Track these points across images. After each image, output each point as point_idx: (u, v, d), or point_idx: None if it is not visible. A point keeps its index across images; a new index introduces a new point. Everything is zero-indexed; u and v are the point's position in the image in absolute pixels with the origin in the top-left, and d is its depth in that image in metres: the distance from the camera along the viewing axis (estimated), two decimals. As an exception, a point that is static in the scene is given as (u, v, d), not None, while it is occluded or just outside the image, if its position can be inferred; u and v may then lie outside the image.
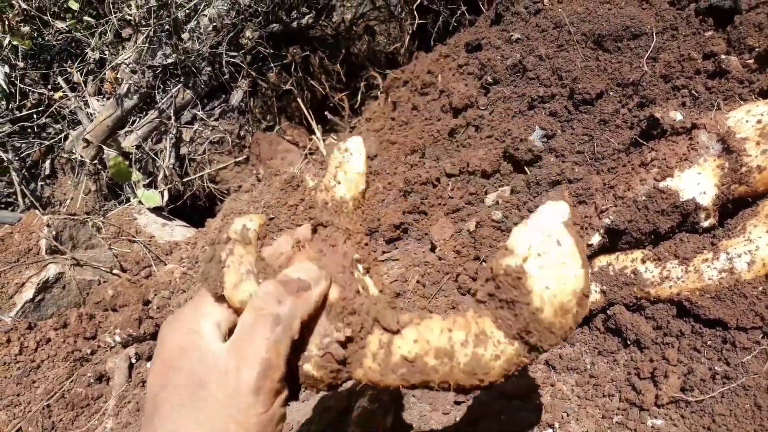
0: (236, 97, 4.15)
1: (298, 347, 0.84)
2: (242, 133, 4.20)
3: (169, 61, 3.90)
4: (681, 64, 1.93)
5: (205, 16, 3.92)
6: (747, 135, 1.48)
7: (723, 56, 1.84)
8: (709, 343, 1.50)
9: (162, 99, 4.04)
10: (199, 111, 4.14)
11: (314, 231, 1.12)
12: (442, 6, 3.84)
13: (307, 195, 2.82)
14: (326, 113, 4.17)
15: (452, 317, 0.95)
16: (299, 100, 3.94)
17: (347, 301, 0.91)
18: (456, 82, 2.62)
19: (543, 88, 2.22)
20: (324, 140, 4.08)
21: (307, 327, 0.85)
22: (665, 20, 2.10)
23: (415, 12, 3.86)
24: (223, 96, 4.21)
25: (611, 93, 2.05)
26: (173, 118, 4.04)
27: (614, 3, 2.28)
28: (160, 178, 4.08)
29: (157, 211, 3.89)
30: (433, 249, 2.22)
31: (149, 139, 4.15)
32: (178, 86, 4.01)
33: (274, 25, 3.92)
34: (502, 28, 2.63)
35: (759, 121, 1.50)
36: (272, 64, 4.01)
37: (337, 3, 4.25)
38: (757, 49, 1.80)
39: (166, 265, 3.26)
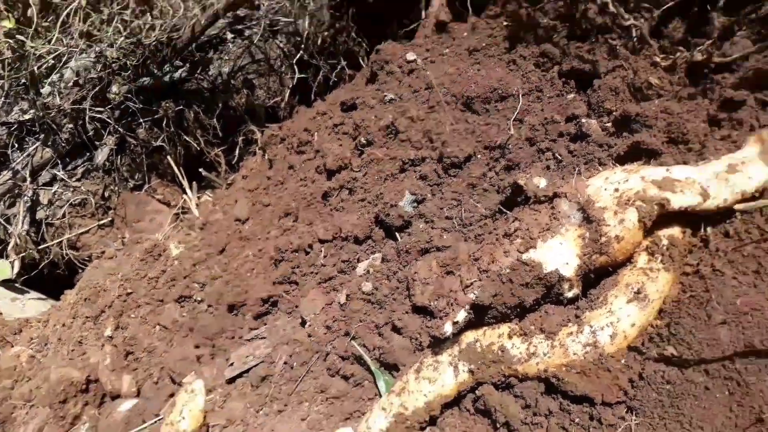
0: (101, 155, 3.97)
1: None
2: (107, 194, 4.00)
3: (26, 117, 3.69)
4: (545, 127, 2.01)
5: (69, 68, 3.76)
6: (606, 204, 1.54)
7: (584, 120, 1.93)
8: (576, 420, 1.51)
9: (17, 158, 3.80)
10: (59, 171, 3.92)
11: None
12: (322, 61, 3.87)
13: (169, 266, 2.69)
14: (201, 170, 4.06)
15: None
16: (170, 157, 3.81)
17: None
18: (331, 143, 2.61)
19: (414, 151, 2.25)
20: (199, 197, 3.96)
21: None
22: (531, 82, 2.19)
23: (294, 66, 3.87)
24: (87, 154, 4.01)
25: (479, 156, 2.10)
26: (29, 179, 3.80)
27: (483, 64, 2.36)
28: (11, 246, 3.80)
29: (6, 283, 3.60)
30: (303, 324, 2.16)
31: (1, 203, 3.88)
32: (36, 144, 3.80)
33: (145, 78, 3.80)
34: (377, 88, 2.67)
35: (616, 189, 1.56)
36: (142, 120, 3.87)
37: (215, 56, 4.20)
38: (614, 113, 1.90)
39: (12, 347, 3.00)
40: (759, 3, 1.80)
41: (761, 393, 1.39)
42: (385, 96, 2.52)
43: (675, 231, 1.56)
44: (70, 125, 3.81)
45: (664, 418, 1.45)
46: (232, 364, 2.22)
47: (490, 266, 1.61)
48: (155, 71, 3.75)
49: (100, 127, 3.88)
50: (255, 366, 2.17)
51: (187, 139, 4.09)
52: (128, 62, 3.69)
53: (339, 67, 3.86)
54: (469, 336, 1.64)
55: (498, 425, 1.58)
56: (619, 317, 1.48)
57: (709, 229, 1.58)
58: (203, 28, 3.56)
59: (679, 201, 1.51)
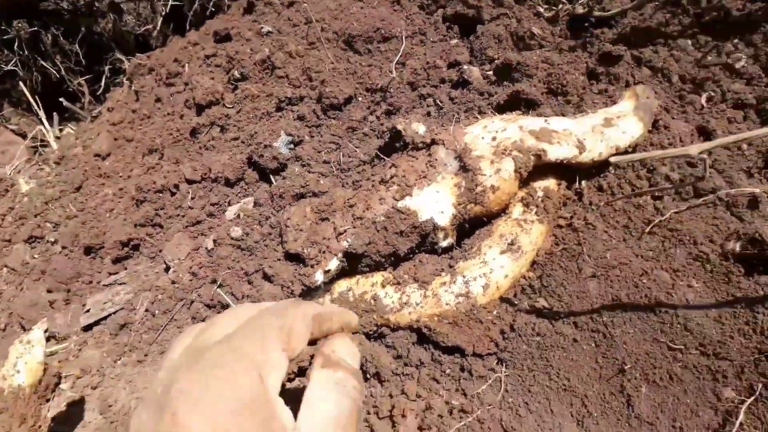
0: (-60, 76, 3.46)
1: None
2: (-51, 121, 3.51)
3: None
4: (427, 71, 1.89)
5: None
6: (482, 153, 1.45)
7: (465, 66, 1.83)
8: (448, 371, 1.46)
9: None
10: None
11: None
12: (198, -12, 3.53)
13: (18, 203, 2.37)
14: (62, 100, 3.63)
15: None
16: (23, 83, 3.37)
17: None
18: (201, 75, 2.36)
19: (292, 89, 2.06)
20: (61, 130, 3.56)
21: None
22: (415, 24, 2.06)
23: (167, -9, 3.50)
24: (-77, 75, 3.48)
25: (360, 98, 1.96)
26: None
27: (367, 2, 2.19)
28: None
29: None
30: (167, 270, 1.97)
31: None
32: None
33: (-11, -7, 3.30)
34: (254, 19, 2.44)
35: (494, 138, 1.48)
36: (-12, 40, 3.38)
37: (75, -26, 3.73)
38: (496, 61, 1.81)
39: None
40: (640, -42, 1.76)
41: (625, 345, 1.39)
42: (263, 28, 2.30)
43: (550, 183, 1.51)
44: None
45: (533, 369, 1.42)
46: (88, 311, 2.00)
47: (365, 213, 1.50)
48: (5, -15, 3.27)
49: (-61, 45, 3.37)
50: (114, 313, 1.96)
51: (44, 64, 3.64)
52: (-28, -27, 3.19)
53: (218, -5, 3.54)
54: (341, 285, 1.53)
55: (369, 376, 1.50)
56: (492, 268, 1.42)
57: (583, 183, 1.55)
58: (60, -61, 3.12)
59: (555, 152, 1.45)
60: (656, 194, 1.49)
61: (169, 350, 0.77)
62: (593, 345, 1.41)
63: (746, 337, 1.32)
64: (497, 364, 1.45)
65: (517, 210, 1.48)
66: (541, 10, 1.87)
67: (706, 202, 1.46)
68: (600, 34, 1.79)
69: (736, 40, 1.67)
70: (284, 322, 0.76)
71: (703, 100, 1.62)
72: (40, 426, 1.31)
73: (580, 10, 1.83)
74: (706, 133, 1.57)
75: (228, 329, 0.74)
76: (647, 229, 1.46)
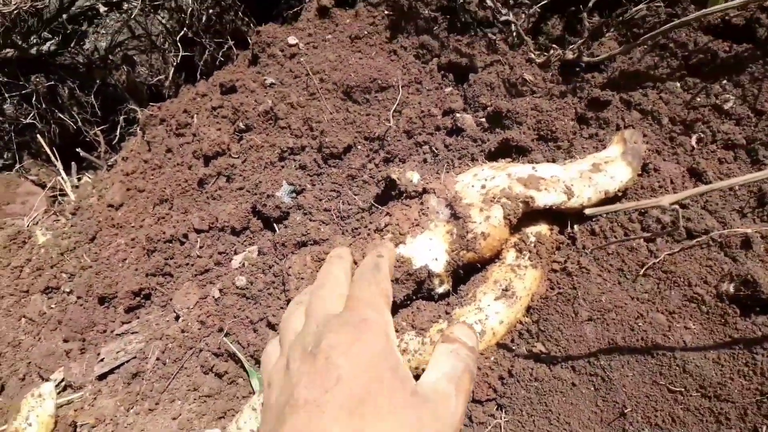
0: (-37, 131, 3.55)
1: None
2: (-28, 174, 3.59)
3: None
4: (423, 120, 1.91)
5: None
6: (472, 201, 1.46)
7: (458, 114, 1.85)
8: (447, 418, 1.44)
9: None
10: None
11: None
12: (208, 39, 3.60)
13: (35, 254, 2.41)
14: (78, 150, 3.71)
15: None
16: (40, 136, 3.45)
17: None
18: (209, 126, 2.41)
19: (293, 139, 2.10)
20: (79, 179, 3.63)
21: None
22: (411, 73, 2.09)
23: (178, 43, 3.58)
24: (-54, 130, 3.58)
25: (359, 147, 1.98)
26: None
27: (365, 53, 2.24)
28: None
29: None
30: (177, 318, 1.98)
31: None
32: None
33: (8, 50, 3.40)
34: (258, 71, 2.49)
35: (483, 186, 1.49)
36: (7, 95, 3.47)
37: (90, 29, 3.83)
38: (488, 108, 1.83)
39: None
40: (626, 6, 1.78)
41: (624, 388, 1.38)
42: (266, 80, 2.35)
43: (542, 228, 1.51)
44: (-77, 98, 3.37)
45: (532, 414, 1.41)
46: (102, 360, 2.01)
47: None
48: (20, 42, 3.36)
49: (-40, 102, 3.47)
50: (126, 362, 1.97)
51: (61, 116, 3.73)
52: (-16, 33, 3.29)
53: (226, 46, 3.61)
54: (342, 334, 1.54)
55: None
56: (488, 314, 1.42)
57: (575, 227, 1.55)
58: (73, -1, 3.21)
59: (543, 199, 1.45)
60: (649, 237, 1.48)
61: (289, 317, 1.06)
62: (592, 389, 1.40)
63: (747, 379, 1.30)
64: (497, 409, 1.44)
65: (510, 256, 1.48)
66: (533, 56, 1.89)
67: (700, 243, 1.46)
68: (590, 78, 1.80)
69: (724, 81, 1.67)
70: (380, 286, 1.04)
71: (693, 142, 1.63)
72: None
73: (570, 55, 1.84)
74: (697, 174, 1.57)
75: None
76: (641, 272, 1.46)
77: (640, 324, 1.40)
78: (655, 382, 1.37)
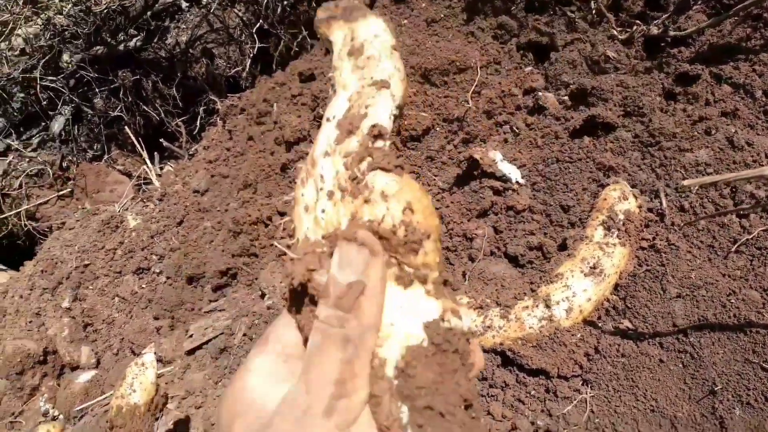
0: (57, 124, 3.76)
1: None
2: (65, 164, 3.80)
3: (-27, 86, 3.47)
4: (503, 99, 1.92)
5: (19, 35, 3.53)
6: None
7: (541, 93, 1.85)
8: (533, 393, 1.46)
9: (-33, 127, 3.58)
10: (13, 141, 3.70)
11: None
12: (283, 30, 3.69)
13: (127, 237, 2.55)
14: (162, 140, 3.88)
15: None
16: (128, 127, 3.62)
17: None
18: (289, 114, 2.48)
19: (373, 122, 2.13)
20: (162, 168, 3.80)
21: None
22: (489, 54, 2.09)
23: (254, 35, 3.68)
24: (42, 124, 3.80)
25: (438, 129, 2.01)
26: (-19, 148, 3.59)
27: (442, 36, 2.25)
28: (-33, 217, 3.60)
29: (-36, 254, 3.42)
30: (262, 296, 2.06)
31: (-46, 172, 3.66)
32: (-14, 113, 3.58)
33: (98, 47, 3.59)
34: (335, 57, 2.54)
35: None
36: (97, 89, 3.66)
37: (171, 25, 3.99)
38: (571, 86, 1.82)
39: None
40: (715, -24, 1.73)
41: (714, 365, 1.35)
42: (344, 67, 2.39)
43: (631, 205, 1.50)
44: (22, 94, 3.58)
45: (618, 390, 1.41)
46: (191, 336, 2.11)
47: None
48: (109, 40, 3.54)
49: (55, 97, 3.67)
50: (214, 338, 2.06)
51: (146, 109, 3.91)
52: (79, 30, 3.47)
53: (300, 36, 3.69)
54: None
55: (455, 399, 1.52)
56: (575, 292, 1.42)
57: (664, 203, 1.52)
58: (158, -4, 3.35)
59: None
60: (741, 212, 1.45)
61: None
62: (681, 365, 1.38)
63: None
64: (582, 385, 1.44)
65: (598, 233, 1.48)
66: (615, 32, 1.86)
67: (796, 219, 1.41)
68: (677, 53, 1.76)
69: (821, 52, 1.61)
70: None
71: (789, 115, 1.57)
72: (154, 442, 1.40)
73: (655, 30, 1.81)
74: (792, 149, 1.51)
75: None
76: (734, 248, 1.42)
77: (732, 301, 1.37)
78: (748, 360, 1.34)
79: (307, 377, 0.63)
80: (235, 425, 0.67)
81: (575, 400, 1.41)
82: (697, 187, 1.50)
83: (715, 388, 1.34)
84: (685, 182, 1.09)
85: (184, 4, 3.76)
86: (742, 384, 1.34)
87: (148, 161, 3.49)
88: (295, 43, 3.69)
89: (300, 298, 0.68)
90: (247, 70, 3.93)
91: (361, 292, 0.64)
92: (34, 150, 3.75)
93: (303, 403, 0.62)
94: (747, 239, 1.42)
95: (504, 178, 1.68)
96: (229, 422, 0.68)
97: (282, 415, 0.63)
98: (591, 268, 1.43)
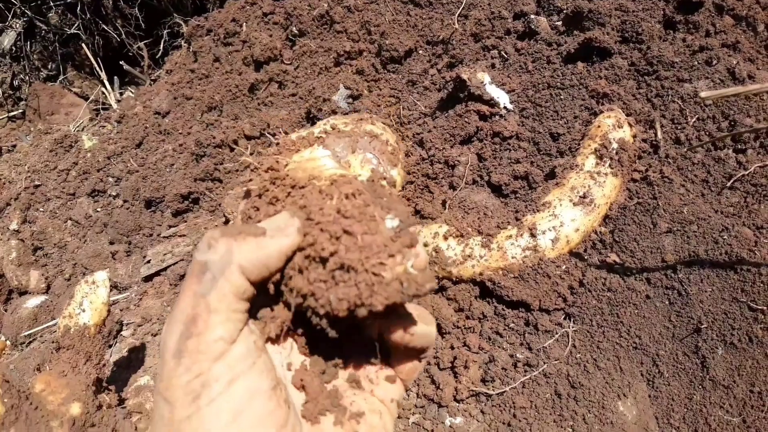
0: (7, 39, 3.50)
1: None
2: (17, 83, 3.57)
3: None
4: (491, 22, 1.80)
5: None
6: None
7: (533, 16, 1.73)
8: (511, 326, 1.39)
9: None
10: (-42, 53, 3.44)
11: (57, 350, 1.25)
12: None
13: (81, 158, 2.39)
14: (122, 63, 3.65)
15: None
16: (86, 46, 3.39)
17: (88, 416, 1.13)
18: (260, 32, 2.32)
19: (350, 43, 2.00)
20: (122, 93, 3.59)
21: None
22: (478, -27, 1.96)
23: (223, -49, 3.44)
24: (-9, 38, 3.54)
25: (420, 51, 1.88)
26: None
27: (427, -48, 2.10)
28: None
29: None
30: (226, 222, 1.94)
31: None
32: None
33: (54, -44, 3.32)
34: (313, -27, 2.37)
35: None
36: (52, 3, 3.40)
37: (134, -64, 3.71)
38: (564, 11, 1.71)
39: None
40: None
41: (701, 303, 1.30)
42: (320, -17, 2.23)
43: (626, 134, 1.41)
44: (-33, 3, 3.31)
45: (602, 325, 1.35)
46: (149, 262, 1.99)
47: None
48: (66, -52, 3.27)
49: (4, 9, 3.41)
50: (173, 264, 1.95)
51: (105, 28, 3.65)
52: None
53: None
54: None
55: (430, 329, 1.44)
56: (563, 221, 1.34)
57: (659, 134, 1.44)
58: None
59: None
60: (738, 146, 1.38)
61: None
62: (667, 302, 1.33)
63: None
64: (565, 319, 1.38)
65: (590, 162, 1.39)
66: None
67: (794, 155, 1.35)
68: (679, -20, 1.66)
69: (827, -13, 1.53)
70: None
71: (791, 50, 1.49)
72: (104, 365, 1.30)
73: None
74: (794, 84, 1.44)
75: None
76: (728, 184, 1.36)
77: (724, 237, 1.31)
78: (736, 299, 1.29)
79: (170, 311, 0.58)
80: None
81: (557, 334, 1.35)
82: (694, 120, 1.42)
83: (701, 327, 1.29)
84: (703, 94, 1.00)
85: None
86: (727, 323, 1.29)
87: (107, 83, 3.29)
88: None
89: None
90: (214, -11, 3.69)
91: (254, 234, 0.58)
92: (-19, 65, 3.50)
93: (161, 344, 0.57)
94: (742, 175, 1.35)
95: (492, 102, 1.57)
96: None
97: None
98: (581, 197, 1.35)
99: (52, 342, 1.51)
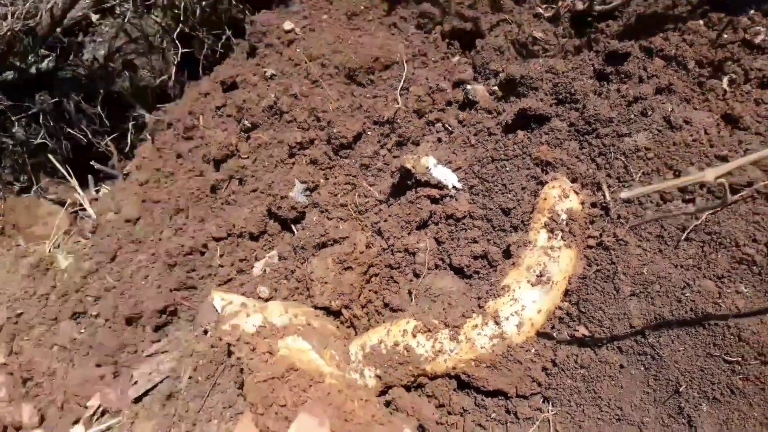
0: (-24, 158, 3.53)
1: None
2: (-8, 201, 3.58)
3: None
4: (432, 96, 1.81)
5: None
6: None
7: (470, 86, 1.74)
8: (493, 416, 1.38)
9: None
10: (-71, 182, 3.48)
11: None
12: (206, 32, 3.49)
13: (59, 280, 2.39)
14: (93, 162, 3.67)
15: None
16: (52, 155, 3.42)
17: None
18: (215, 128, 2.34)
19: (301, 132, 2.01)
20: (97, 191, 3.60)
21: None
22: (414, 45, 1.99)
23: (176, 41, 3.48)
24: (-41, 161, 3.57)
25: (369, 133, 1.89)
26: None
27: (364, 29, 2.13)
28: None
29: None
30: (205, 333, 1.94)
31: None
32: None
33: (8, 72, 3.36)
34: (257, 62, 2.39)
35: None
36: (14, 118, 3.44)
37: (86, 39, 3.76)
38: (500, 75, 1.72)
39: None
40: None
41: (676, 364, 1.29)
42: (266, 72, 2.26)
43: (573, 203, 1.41)
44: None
45: (581, 403, 1.34)
46: (136, 383, 1.99)
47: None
48: (18, 64, 3.31)
49: (-33, 131, 3.44)
50: (160, 382, 1.94)
51: (71, 131, 3.68)
52: (-20, 58, 3.24)
53: (224, 37, 3.50)
54: (372, 338, 1.47)
55: (411, 430, 1.43)
56: (524, 304, 1.34)
57: (608, 196, 1.44)
58: (63, 11, 3.12)
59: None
60: (687, 197, 1.37)
61: None
62: (642, 368, 1.32)
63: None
64: (543, 402, 1.37)
65: (542, 237, 1.39)
66: (541, 10, 1.77)
67: (744, 197, 1.34)
68: (605, 28, 1.67)
69: (752, 12, 1.53)
70: None
71: (725, 84, 1.50)
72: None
73: (580, 5, 1.72)
74: (732, 120, 1.44)
75: None
76: (683, 237, 1.35)
77: (687, 294, 1.30)
78: (710, 354, 1.28)
79: None
80: None
81: (537, 420, 1.33)
82: (639, 175, 1.42)
83: (680, 387, 1.28)
84: (623, 194, 0.99)
85: (94, 17, 3.53)
86: (706, 379, 1.28)
87: (78, 188, 3.30)
88: (219, 45, 3.49)
89: None
90: (173, 78, 3.72)
91: None
92: (-46, 190, 3.53)
93: None
94: (695, 225, 1.35)
95: (440, 185, 1.58)
96: None
97: None
98: (537, 276, 1.35)
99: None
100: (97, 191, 3.60)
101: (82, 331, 2.26)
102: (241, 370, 1.35)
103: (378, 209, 1.74)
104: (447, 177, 1.58)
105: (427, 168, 1.53)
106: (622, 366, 1.32)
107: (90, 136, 3.76)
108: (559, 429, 1.33)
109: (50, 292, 2.38)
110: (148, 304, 2.08)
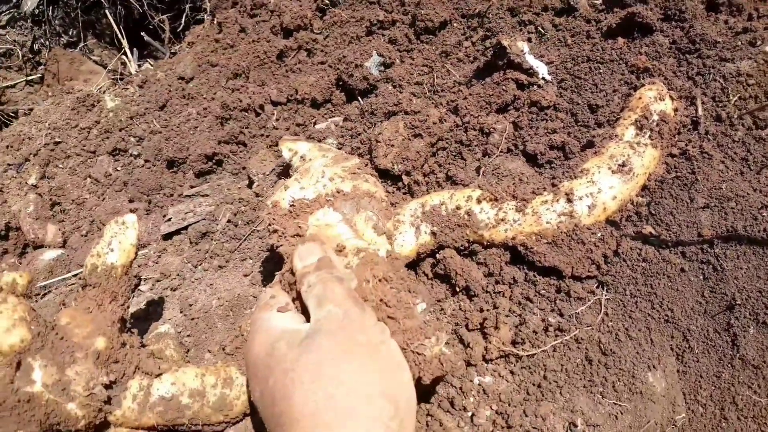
0: (30, 2, 3.47)
1: None
2: (37, 47, 3.54)
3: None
4: (530, -4, 1.78)
5: None
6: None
7: (573, -8, 1.71)
8: (542, 292, 1.37)
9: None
10: (-20, 14, 3.42)
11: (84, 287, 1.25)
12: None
13: (103, 117, 2.36)
14: (143, 35, 3.62)
15: (204, 367, 1.23)
16: (109, 13, 3.36)
17: (113, 351, 1.14)
18: (289, 1, 2.29)
19: (384, 13, 1.98)
20: (140, 65, 3.55)
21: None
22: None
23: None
24: (14, 1, 3.51)
25: (455, 24, 1.86)
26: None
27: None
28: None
29: None
30: (250, 185, 1.92)
31: None
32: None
33: None
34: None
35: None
36: (74, -32, 3.38)
37: None
38: (606, -13, 1.69)
39: None
40: None
41: (736, 280, 1.27)
42: (349, -48, 2.21)
43: (667, 107, 1.39)
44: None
45: (635, 295, 1.32)
46: (169, 220, 1.96)
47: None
48: None
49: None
50: (195, 223, 1.92)
51: (129, -1, 3.63)
52: None
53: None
54: (434, 198, 1.45)
55: (458, 290, 1.41)
56: (601, 188, 1.31)
57: (700, 110, 1.42)
58: None
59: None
60: (780, 127, 1.35)
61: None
62: (701, 277, 1.30)
63: None
64: (597, 287, 1.35)
65: (629, 132, 1.37)
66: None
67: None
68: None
69: None
70: None
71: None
72: (128, 306, 1.27)
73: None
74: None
75: None
76: (768, 163, 1.33)
77: (764, 215, 1.29)
78: (772, 279, 1.27)
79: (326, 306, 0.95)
80: (279, 344, 0.92)
81: (589, 301, 1.32)
82: (735, 99, 1.40)
83: (734, 304, 1.27)
84: None
85: None
86: (761, 302, 1.26)
87: (128, 50, 3.25)
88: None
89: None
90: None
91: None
92: (2, 27, 3.47)
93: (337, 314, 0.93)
94: (781, 155, 1.33)
95: (530, 72, 1.55)
96: (269, 347, 0.93)
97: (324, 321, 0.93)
98: (620, 165, 1.32)
99: (79, 278, 1.48)
100: (140, 65, 3.55)
101: (119, 168, 2.23)
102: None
103: (456, 89, 1.71)
104: (538, 66, 1.56)
105: (522, 51, 1.50)
106: (682, 270, 1.30)
107: (145, 8, 3.69)
108: (609, 313, 1.31)
109: (92, 127, 2.35)
110: (195, 148, 2.05)
